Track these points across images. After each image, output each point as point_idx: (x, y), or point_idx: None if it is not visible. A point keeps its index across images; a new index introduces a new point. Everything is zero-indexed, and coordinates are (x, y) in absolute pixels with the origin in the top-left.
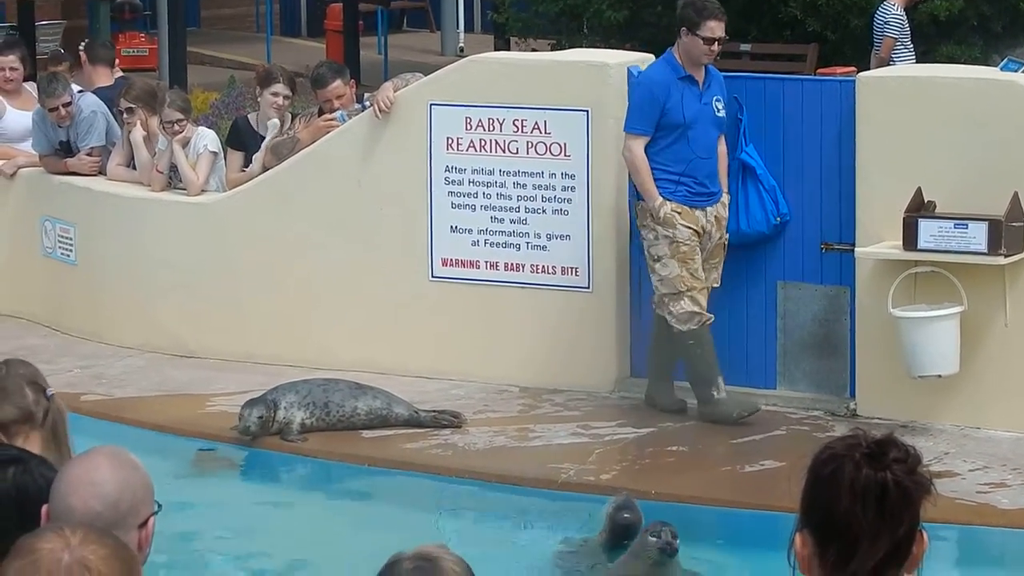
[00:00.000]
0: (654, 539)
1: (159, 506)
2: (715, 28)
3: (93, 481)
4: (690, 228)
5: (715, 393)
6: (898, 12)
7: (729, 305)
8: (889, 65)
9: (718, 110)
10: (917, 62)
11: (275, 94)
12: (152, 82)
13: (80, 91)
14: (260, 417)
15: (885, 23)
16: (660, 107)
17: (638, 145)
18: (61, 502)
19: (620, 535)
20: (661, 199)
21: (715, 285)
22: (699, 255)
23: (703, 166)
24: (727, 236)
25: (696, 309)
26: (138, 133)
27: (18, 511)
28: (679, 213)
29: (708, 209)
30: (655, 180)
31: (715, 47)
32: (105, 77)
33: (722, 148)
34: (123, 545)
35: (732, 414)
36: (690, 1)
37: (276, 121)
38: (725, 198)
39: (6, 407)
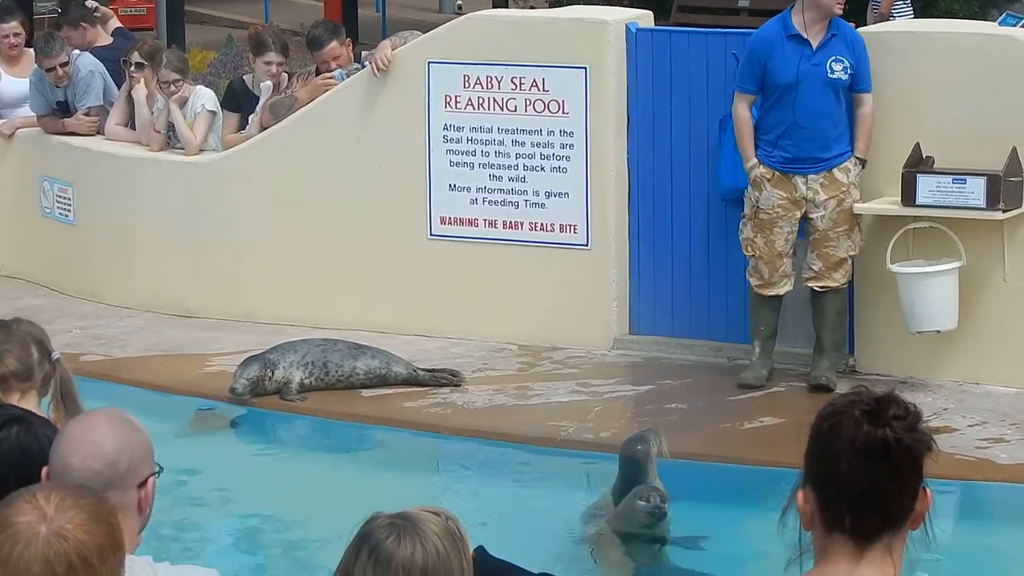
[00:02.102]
0: (643, 503)
1: (160, 468)
2: None
3: (92, 440)
4: (780, 195)
5: (751, 357)
6: None
7: (726, 260)
8: (888, 21)
9: (832, 71)
10: (916, 17)
11: (268, 63)
12: (160, 42)
13: (77, 52)
14: (249, 379)
15: None
16: (762, 66)
17: (741, 103)
18: (60, 461)
19: (628, 468)
20: (755, 161)
21: (852, 253)
22: (784, 226)
23: (805, 131)
24: (852, 200)
25: (752, 276)
26: (141, 90)
27: (20, 470)
28: (769, 179)
29: (812, 176)
30: (756, 141)
31: None
32: (102, 36)
33: (862, 111)
34: (103, 505)
35: (740, 377)
36: None
37: (269, 84)
38: (850, 163)
39: (8, 359)
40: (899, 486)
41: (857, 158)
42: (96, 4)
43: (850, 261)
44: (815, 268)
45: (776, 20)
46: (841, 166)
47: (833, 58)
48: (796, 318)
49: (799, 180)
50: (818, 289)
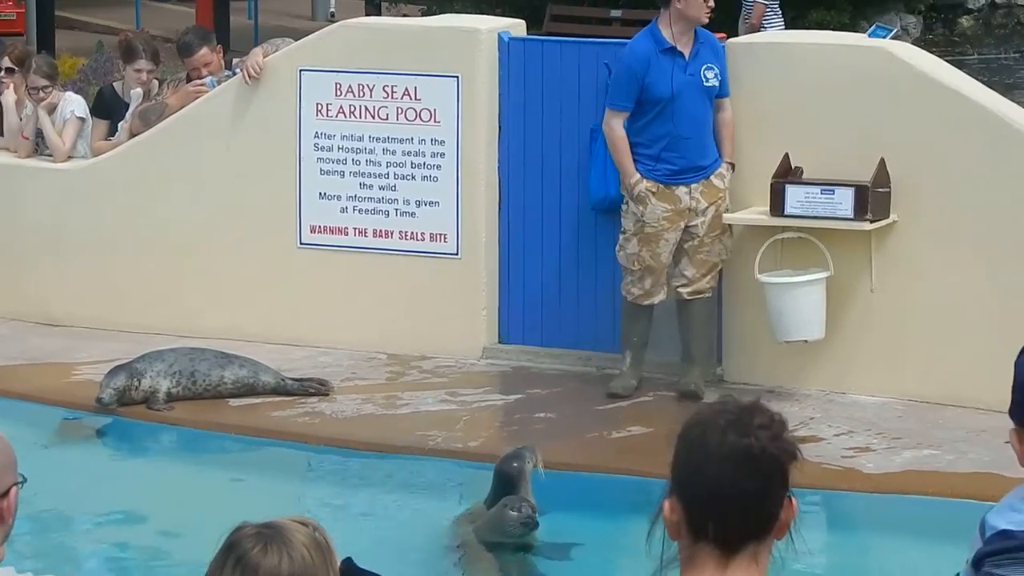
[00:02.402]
0: (514, 513)
1: (23, 478)
2: None
3: None
4: (665, 207)
5: (622, 366)
6: None
7: (596, 270)
8: (759, 31)
9: (707, 79)
10: (787, 28)
11: (138, 70)
12: (30, 48)
13: None
14: (116, 388)
15: None
16: (640, 82)
17: (616, 121)
18: None
19: (502, 483)
20: (637, 176)
21: (723, 258)
22: (670, 237)
23: (688, 141)
24: (726, 206)
25: (633, 288)
26: (10, 96)
27: None
28: (654, 193)
29: (694, 185)
30: (635, 156)
31: (711, 2)
32: None
33: (725, 115)
34: None
35: (610, 386)
36: None
37: (139, 91)
38: (723, 168)
39: None
40: (764, 495)
41: (728, 163)
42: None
43: (719, 268)
44: (687, 275)
45: (645, 35)
46: (717, 172)
47: (705, 66)
48: (665, 328)
49: (682, 191)
50: (687, 297)
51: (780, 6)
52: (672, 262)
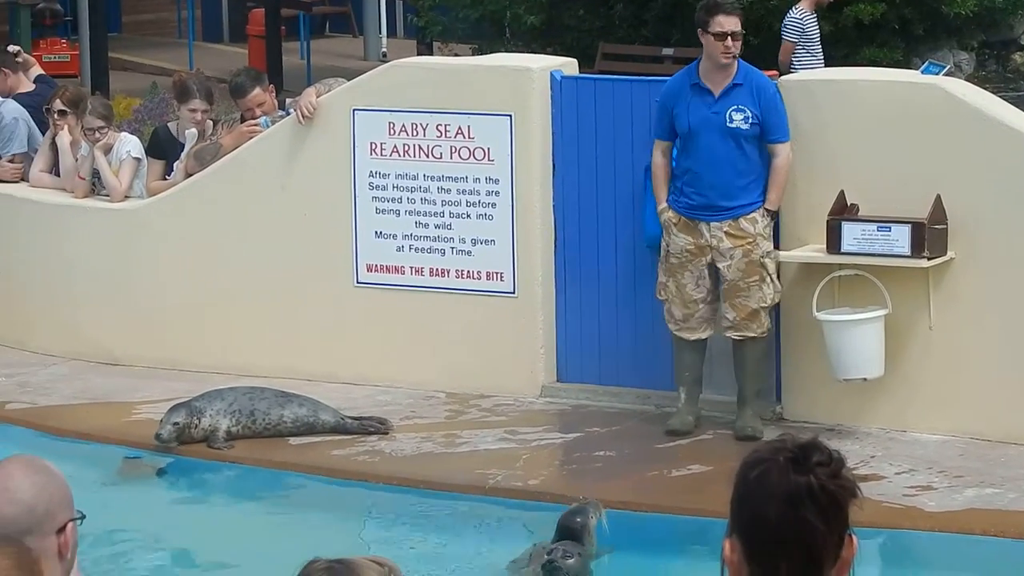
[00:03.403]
0: (547, 556)
1: (82, 515)
2: (724, 22)
3: (7, 487)
4: (687, 240)
5: (677, 403)
6: (799, 16)
7: (653, 307)
8: (790, 70)
9: (731, 119)
10: (840, 65)
11: (192, 110)
12: (84, 89)
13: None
14: (175, 424)
15: (784, 27)
16: (669, 113)
17: (655, 148)
18: None
19: (565, 538)
20: (664, 205)
21: (765, 304)
22: (694, 271)
23: (705, 177)
24: (762, 251)
25: (669, 320)
26: (65, 138)
27: None
28: (675, 223)
29: (714, 224)
30: (671, 185)
31: (730, 43)
32: (24, 83)
33: (776, 161)
34: (27, 555)
35: (668, 424)
36: (702, 2)
37: (194, 131)
38: (757, 213)
39: None
40: (825, 533)
41: (767, 210)
42: (19, 49)
43: (766, 312)
44: (729, 317)
45: (684, 70)
46: (748, 216)
47: (734, 107)
48: (722, 366)
49: (703, 227)
50: (734, 338)
51: (819, 44)
52: (719, 301)
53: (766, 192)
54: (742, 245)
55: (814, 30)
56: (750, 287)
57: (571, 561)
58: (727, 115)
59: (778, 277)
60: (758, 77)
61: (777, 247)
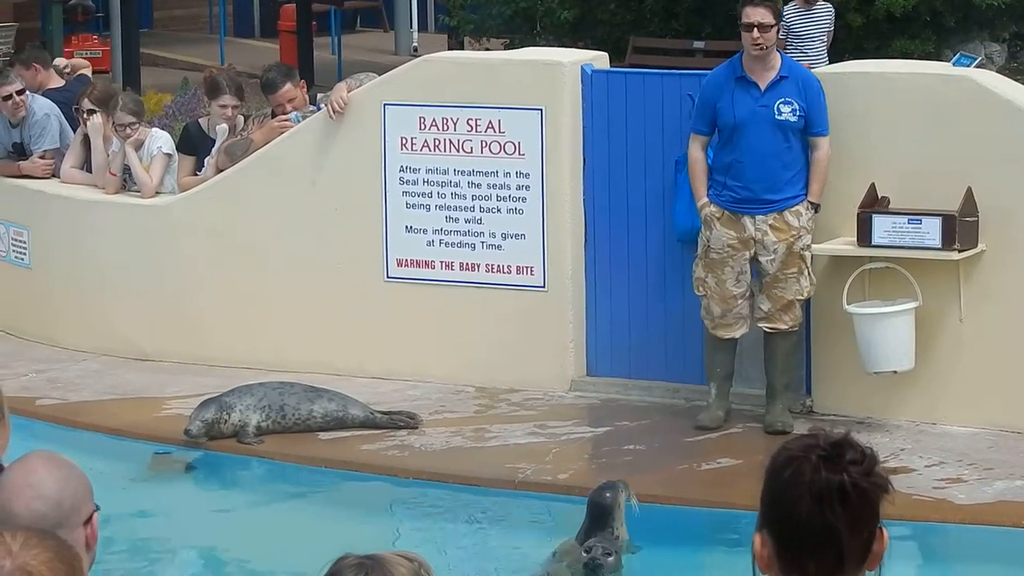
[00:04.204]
0: (586, 554)
1: (97, 506)
2: (751, 13)
3: (31, 483)
4: (731, 235)
5: (708, 398)
6: (784, 14)
7: (683, 302)
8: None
9: (779, 112)
10: (871, 58)
11: (223, 106)
12: (113, 85)
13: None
14: (205, 419)
15: None
16: (712, 107)
17: (694, 143)
18: (2, 509)
19: (595, 514)
20: (705, 200)
21: (800, 297)
22: (735, 266)
23: (751, 170)
24: (803, 244)
25: (705, 317)
26: (98, 134)
27: None
28: (719, 218)
29: (759, 217)
30: (710, 180)
31: (756, 34)
32: (55, 79)
33: (817, 154)
34: (66, 547)
35: (697, 419)
36: None
37: (225, 127)
38: (802, 206)
39: None
40: (857, 529)
41: (811, 202)
42: (66, 62)
43: (800, 305)
44: (764, 309)
45: (727, 63)
46: (792, 209)
47: (782, 100)
48: (752, 359)
49: (748, 220)
50: (766, 330)
51: (816, 40)
52: (753, 295)
53: (808, 185)
54: (786, 239)
55: (804, 27)
56: (787, 279)
57: (611, 559)
58: (775, 108)
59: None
60: (801, 70)
61: None
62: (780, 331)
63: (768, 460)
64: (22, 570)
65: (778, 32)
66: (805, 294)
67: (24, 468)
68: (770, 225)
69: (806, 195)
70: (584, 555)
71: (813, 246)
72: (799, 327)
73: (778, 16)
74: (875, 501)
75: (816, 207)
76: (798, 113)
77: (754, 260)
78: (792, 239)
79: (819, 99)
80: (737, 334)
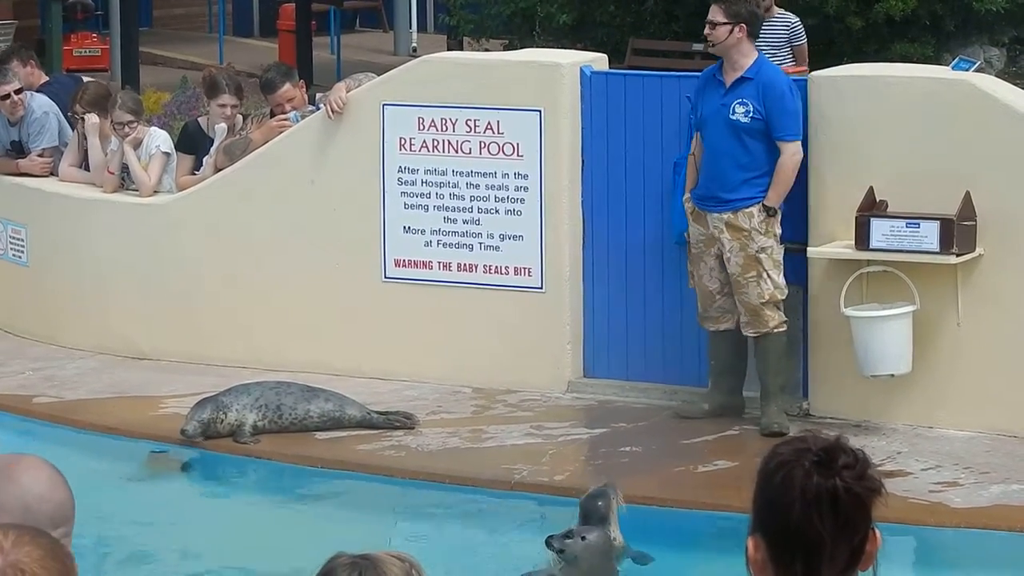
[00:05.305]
0: (550, 550)
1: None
2: (709, 12)
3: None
4: (700, 230)
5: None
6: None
7: (681, 303)
8: None
9: (734, 112)
10: (870, 61)
11: (222, 105)
12: (104, 84)
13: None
14: (202, 419)
15: None
16: (693, 105)
17: (693, 140)
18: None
19: (588, 520)
20: (687, 195)
21: (763, 300)
22: (708, 262)
23: (707, 168)
24: (757, 247)
25: (698, 313)
26: (95, 132)
27: None
28: (691, 213)
29: (715, 215)
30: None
31: (707, 31)
32: (38, 76)
33: (781, 158)
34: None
35: (676, 407)
36: None
37: (224, 126)
38: (755, 209)
39: None
40: (850, 533)
41: (764, 205)
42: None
43: (773, 307)
44: (740, 311)
45: (715, 64)
46: (745, 210)
47: (739, 100)
48: (749, 362)
49: (710, 218)
50: (748, 334)
51: (787, 44)
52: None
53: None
54: (739, 239)
55: (773, 32)
56: (748, 283)
57: (570, 541)
58: (731, 108)
59: (783, 274)
60: (771, 73)
61: (805, 243)
62: (763, 334)
63: (759, 464)
64: (14, 567)
65: (735, 31)
66: (768, 297)
67: (23, 469)
68: (725, 223)
69: (764, 198)
70: (551, 552)
71: (811, 248)
72: (784, 327)
73: (736, 16)
74: (868, 505)
75: (769, 210)
76: (751, 115)
77: (721, 258)
78: (744, 240)
79: (781, 103)
80: (721, 327)
